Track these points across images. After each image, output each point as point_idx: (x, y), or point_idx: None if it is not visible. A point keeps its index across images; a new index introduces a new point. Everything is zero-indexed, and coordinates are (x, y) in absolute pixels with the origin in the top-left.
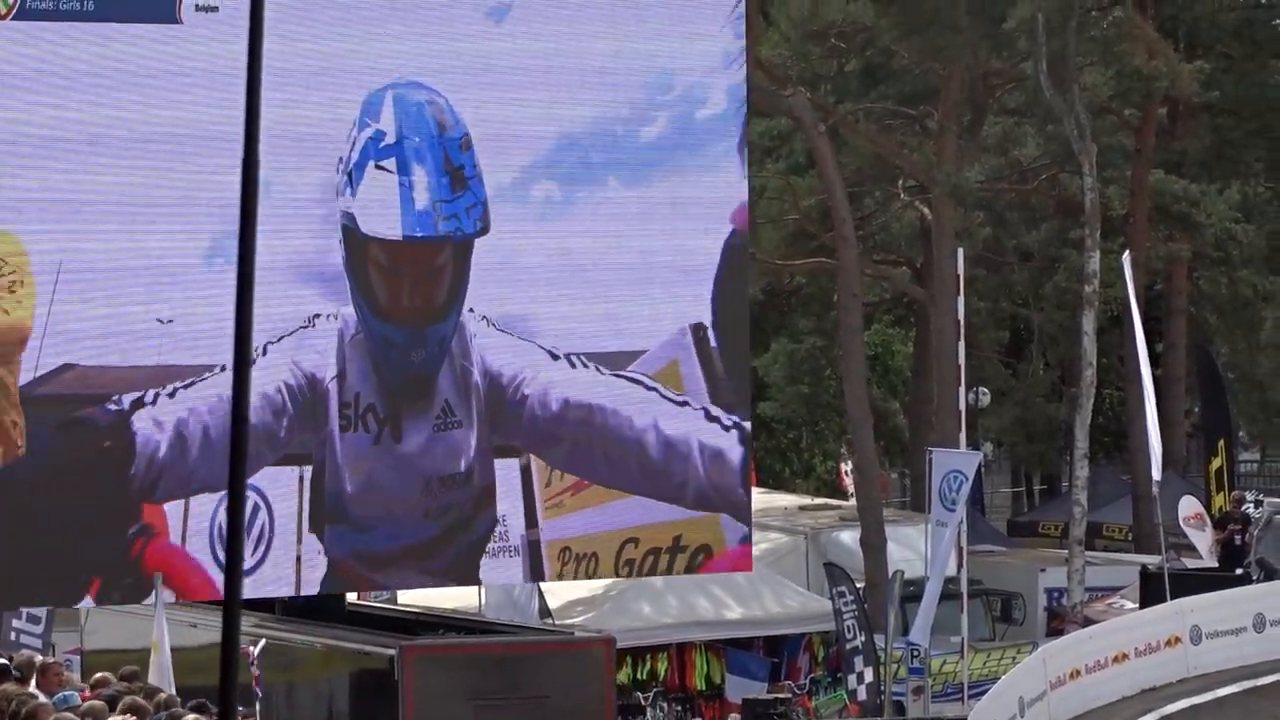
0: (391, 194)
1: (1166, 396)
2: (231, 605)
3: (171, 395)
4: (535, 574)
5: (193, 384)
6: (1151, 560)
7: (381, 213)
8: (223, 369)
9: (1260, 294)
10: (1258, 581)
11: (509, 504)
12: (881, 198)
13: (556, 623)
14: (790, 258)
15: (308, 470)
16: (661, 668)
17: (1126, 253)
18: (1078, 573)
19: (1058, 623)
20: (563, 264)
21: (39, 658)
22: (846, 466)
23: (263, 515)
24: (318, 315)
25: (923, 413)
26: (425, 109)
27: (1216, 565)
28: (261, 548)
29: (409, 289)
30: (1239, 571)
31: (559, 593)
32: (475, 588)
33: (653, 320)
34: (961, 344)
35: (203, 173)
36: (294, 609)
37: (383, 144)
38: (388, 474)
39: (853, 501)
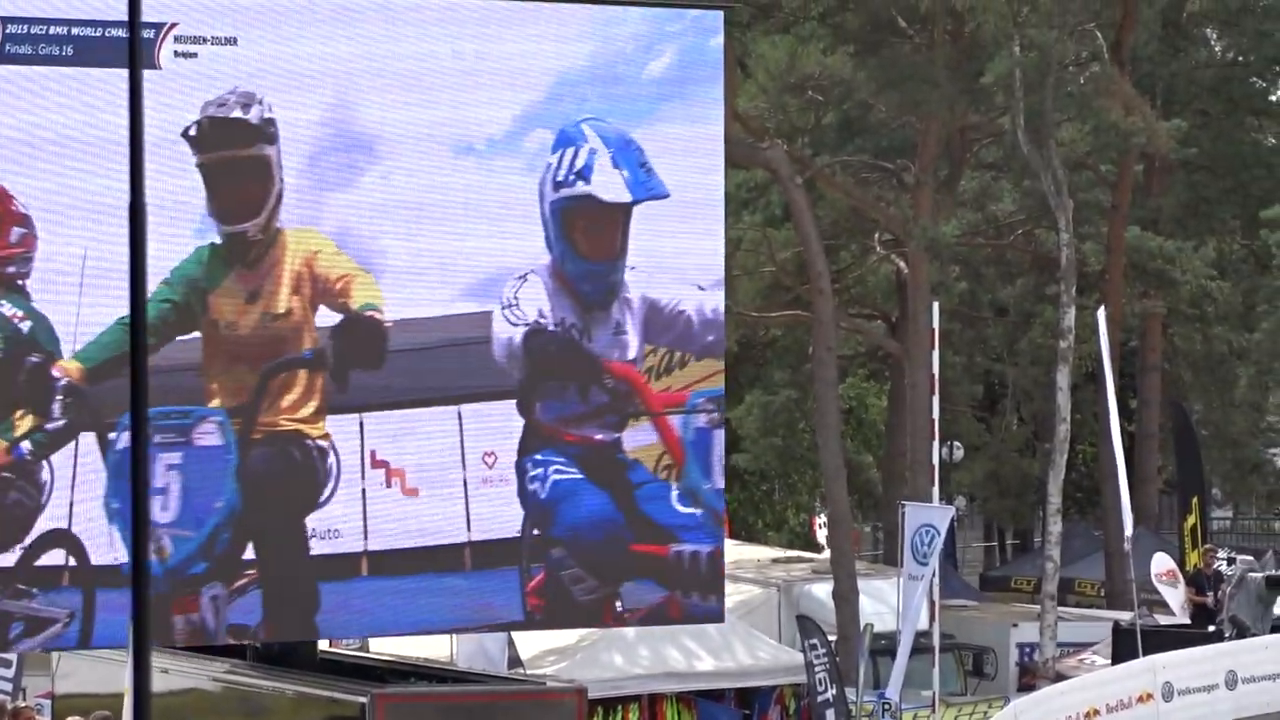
0: None
1: (1140, 452)
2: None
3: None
4: None
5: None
6: (1124, 616)
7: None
8: None
9: (1234, 351)
10: (1230, 639)
11: None
12: (858, 251)
13: (528, 672)
14: (766, 310)
15: None
16: (633, 718)
17: (1101, 308)
18: (1050, 628)
19: (1029, 678)
20: None
21: (10, 702)
22: (819, 519)
23: None
24: None
25: (896, 466)
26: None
27: (1189, 622)
28: None
29: None
30: (1211, 629)
31: (530, 642)
32: (447, 637)
33: None
34: (936, 398)
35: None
36: (264, 655)
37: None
38: None
39: (825, 554)
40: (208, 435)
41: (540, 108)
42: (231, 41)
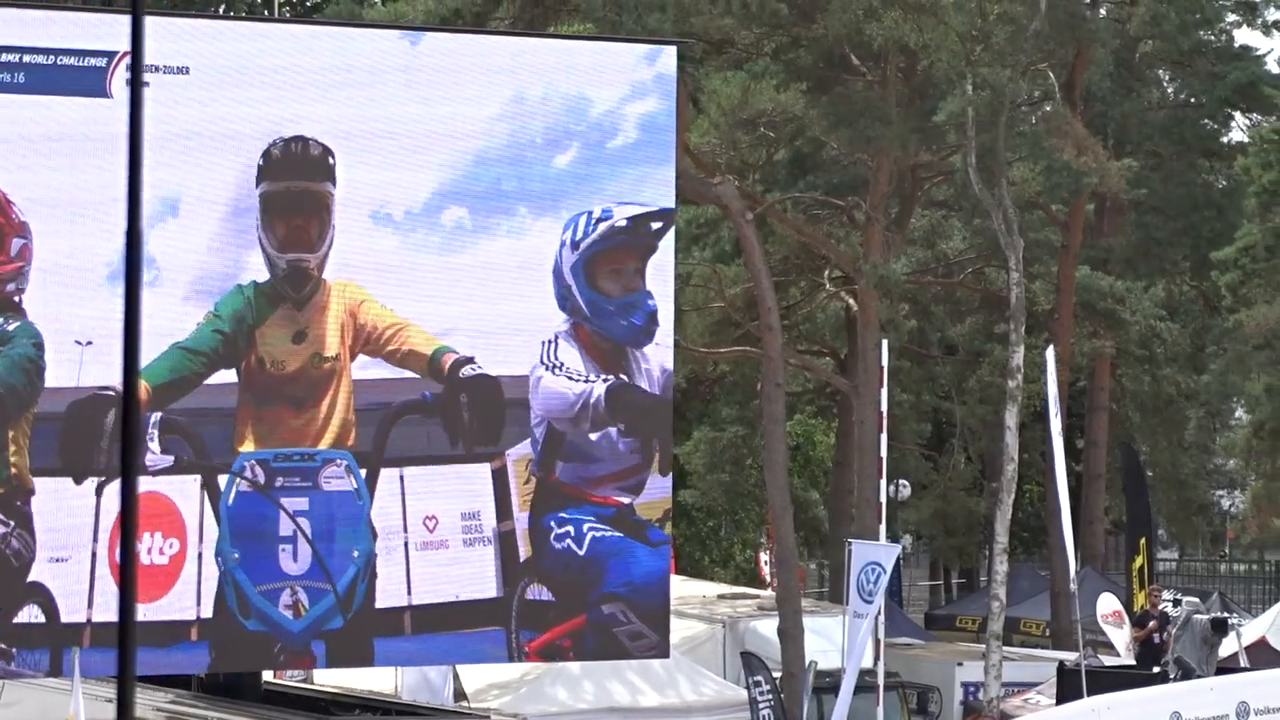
0: None
1: (1087, 493)
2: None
3: None
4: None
5: None
6: (1069, 656)
7: None
8: None
9: (1183, 393)
10: (1175, 680)
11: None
12: (807, 288)
13: (472, 706)
14: (715, 346)
15: None
16: None
17: (1050, 348)
18: (995, 667)
19: (974, 717)
20: None
21: None
22: (765, 556)
23: None
24: None
25: (843, 504)
26: None
27: (1134, 663)
28: None
29: None
30: (1156, 670)
31: (475, 676)
32: (392, 669)
33: None
34: (884, 436)
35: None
36: (210, 686)
37: None
38: None
39: (771, 591)
40: (336, 479)
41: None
42: (184, 71)
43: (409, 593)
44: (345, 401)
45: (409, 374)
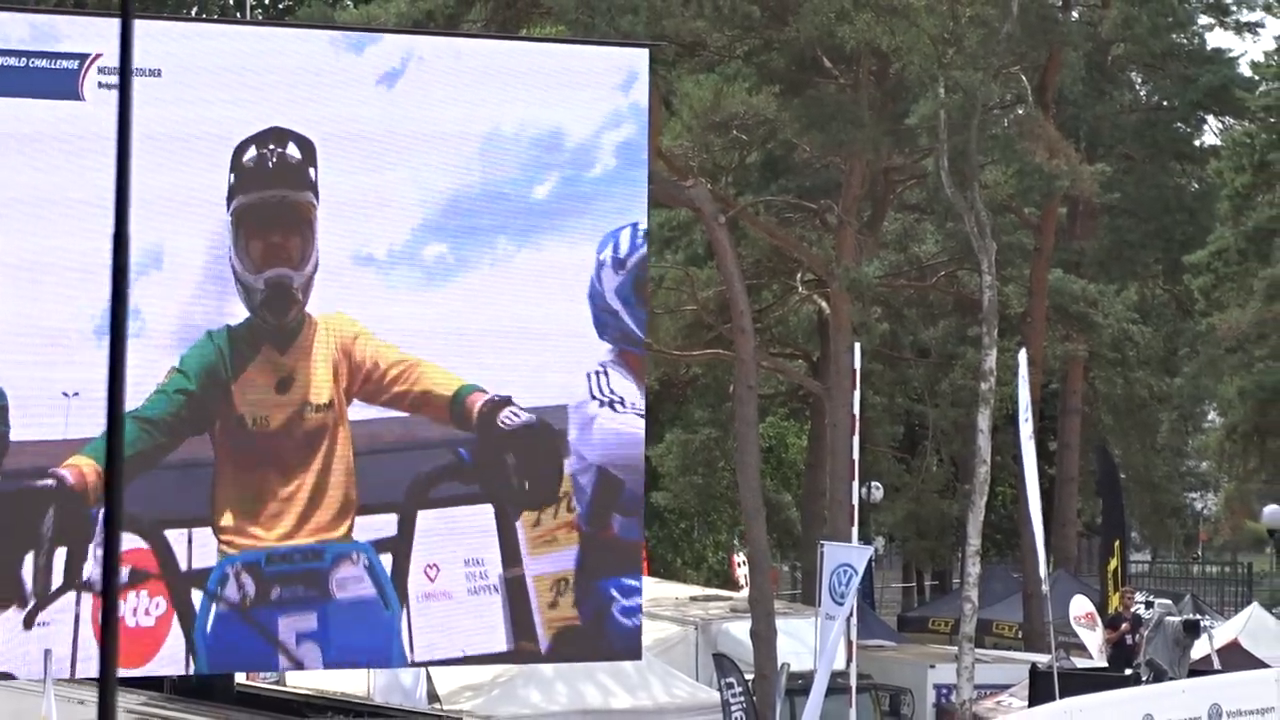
0: None
1: (1060, 495)
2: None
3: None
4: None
5: None
6: (1041, 658)
7: None
8: None
9: (1155, 395)
10: (1147, 682)
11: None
12: (780, 290)
13: (445, 708)
14: (687, 348)
15: None
16: None
17: (1023, 351)
18: (967, 669)
19: (946, 719)
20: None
21: None
22: (738, 558)
23: None
24: None
25: (815, 506)
26: None
27: (1106, 665)
28: None
29: None
30: (1128, 672)
31: (447, 678)
32: (364, 671)
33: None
34: (856, 438)
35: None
36: (182, 689)
37: None
38: None
39: (744, 593)
40: (355, 583)
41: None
42: (156, 74)
43: (410, 649)
44: (344, 460)
45: (425, 420)
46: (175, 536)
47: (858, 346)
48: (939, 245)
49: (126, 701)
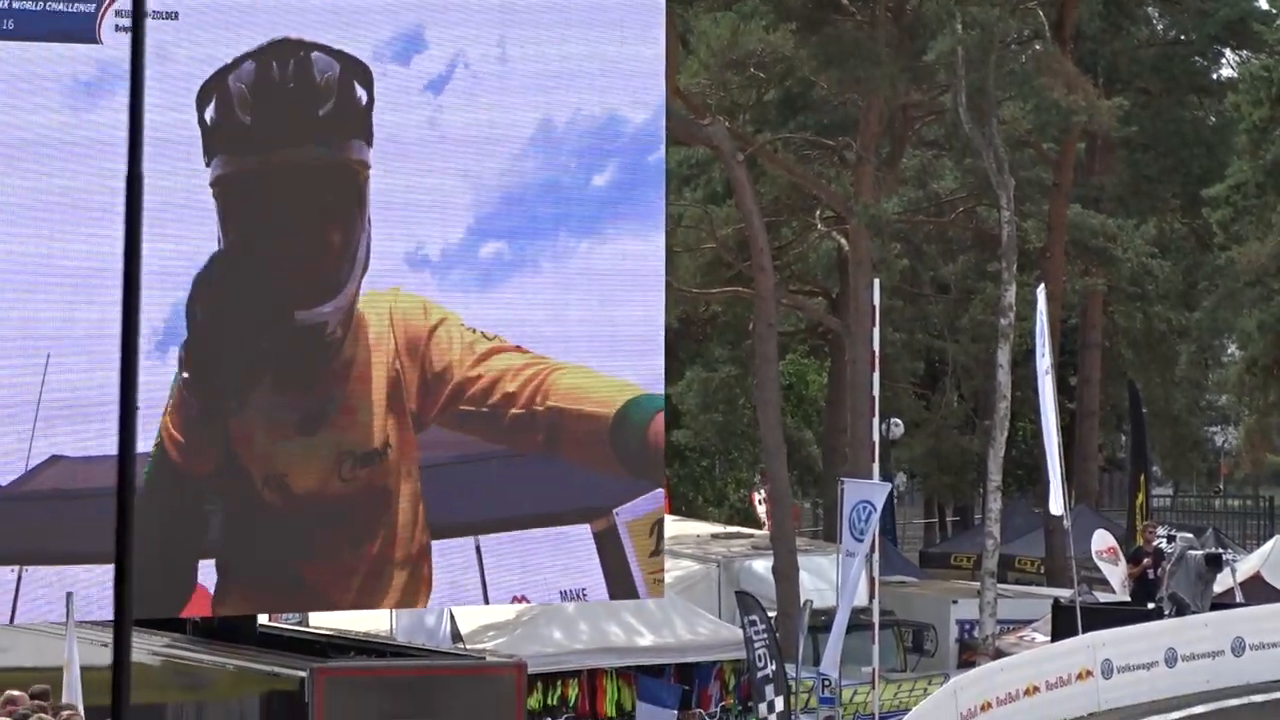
0: None
1: (1080, 430)
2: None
3: None
4: None
5: None
6: (1064, 593)
7: None
8: None
9: (1175, 329)
10: (1169, 616)
11: None
12: (799, 228)
13: (468, 647)
14: (706, 287)
15: None
16: (572, 694)
17: (1042, 286)
18: (989, 605)
19: (969, 655)
20: None
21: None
22: (760, 495)
23: None
24: None
25: (836, 443)
26: None
27: (1129, 599)
28: None
29: None
30: (1151, 606)
31: (470, 617)
32: (386, 611)
33: None
34: (876, 375)
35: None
36: (204, 630)
37: None
38: None
39: (765, 530)
40: None
41: (492, 222)
42: (173, 16)
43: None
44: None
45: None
46: None
47: (877, 283)
48: (957, 181)
49: (150, 643)
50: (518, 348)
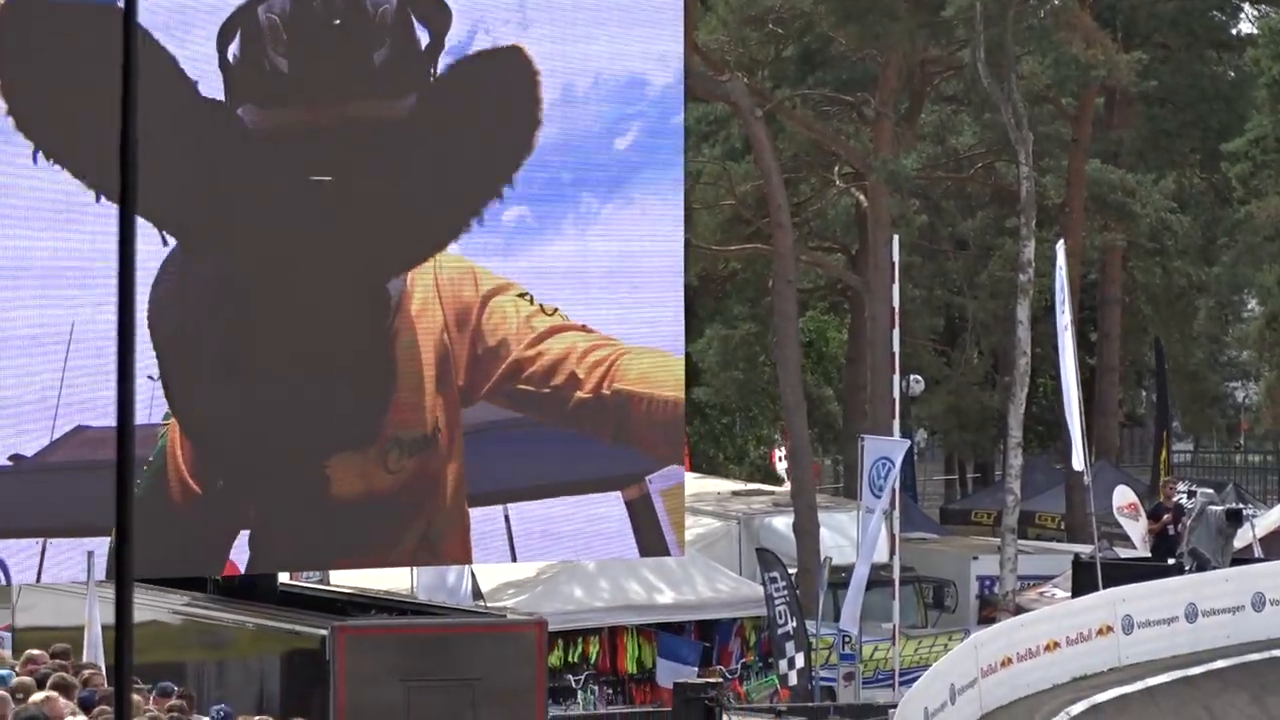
0: None
1: (1100, 386)
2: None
3: None
4: None
5: None
6: (1084, 549)
7: None
8: None
9: (1194, 284)
10: (1190, 572)
11: None
12: (818, 184)
13: (488, 605)
14: (725, 244)
15: None
16: (593, 651)
17: (1061, 242)
18: (1010, 561)
19: (990, 611)
20: None
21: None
22: (780, 452)
23: None
24: None
25: (856, 399)
26: None
27: (1149, 555)
28: None
29: None
30: (1171, 561)
31: (491, 575)
32: (407, 569)
33: None
34: (896, 331)
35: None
36: (225, 588)
37: None
38: None
39: (786, 487)
40: None
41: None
42: None
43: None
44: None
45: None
46: None
47: (896, 239)
48: (976, 137)
49: (171, 602)
50: (583, 326)
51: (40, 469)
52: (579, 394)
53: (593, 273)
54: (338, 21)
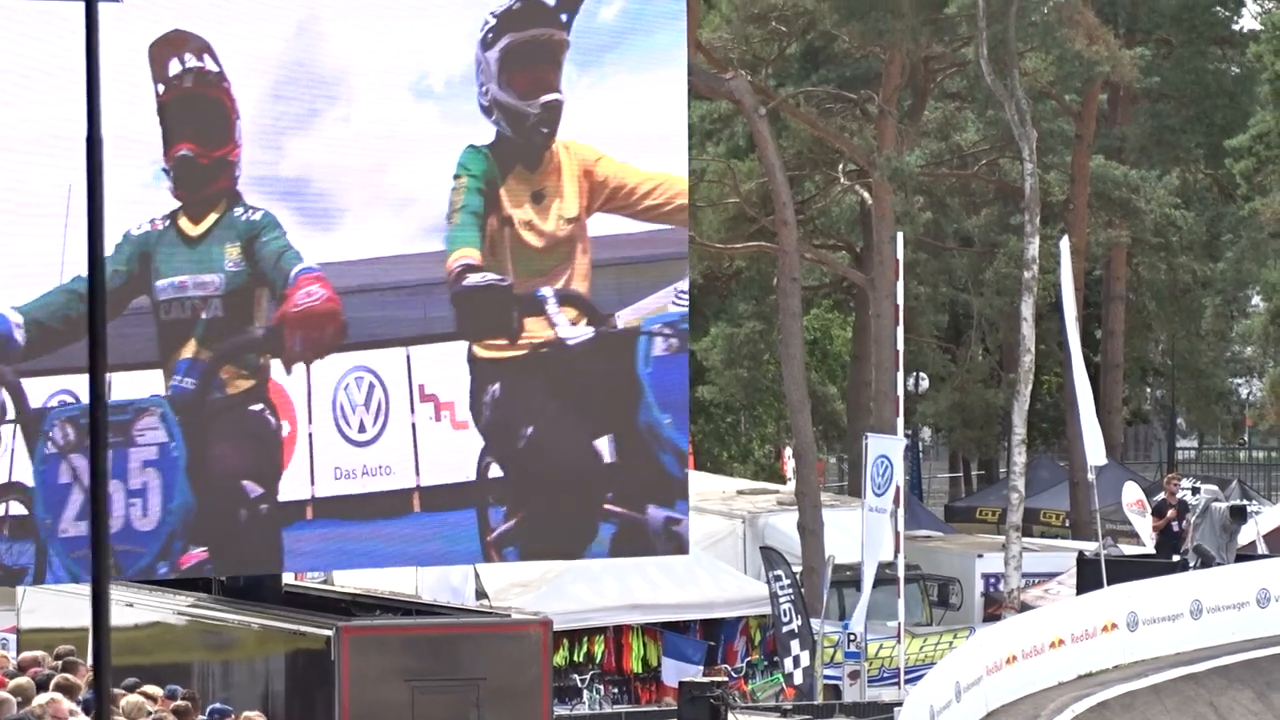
0: None
1: (1105, 383)
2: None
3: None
4: None
5: None
6: (1088, 546)
7: None
8: None
9: (1199, 281)
10: (1194, 568)
11: None
12: (822, 182)
13: (493, 605)
14: (730, 241)
15: None
16: (598, 650)
17: (1065, 238)
18: (1015, 558)
19: (995, 608)
20: None
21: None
22: (785, 451)
23: None
24: None
25: (861, 397)
26: None
27: (1154, 552)
28: None
29: None
30: (1175, 558)
31: (496, 575)
32: (412, 569)
33: None
34: (900, 329)
35: None
36: (229, 589)
37: None
38: None
39: (790, 486)
40: None
41: None
42: None
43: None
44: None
45: None
46: None
47: (900, 236)
48: (980, 133)
49: (176, 603)
50: None
51: None
52: None
53: None
54: None
